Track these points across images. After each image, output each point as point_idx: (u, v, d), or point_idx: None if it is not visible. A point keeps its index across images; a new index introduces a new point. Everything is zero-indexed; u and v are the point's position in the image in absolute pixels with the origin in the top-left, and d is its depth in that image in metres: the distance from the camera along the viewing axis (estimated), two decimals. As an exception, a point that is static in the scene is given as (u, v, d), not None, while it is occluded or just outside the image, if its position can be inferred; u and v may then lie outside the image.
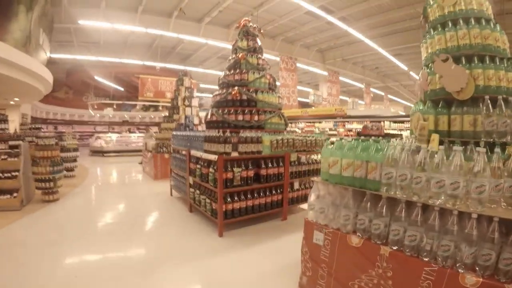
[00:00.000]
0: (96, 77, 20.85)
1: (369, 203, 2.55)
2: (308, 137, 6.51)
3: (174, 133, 7.47)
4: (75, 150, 10.50)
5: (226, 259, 4.04)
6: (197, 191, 5.54)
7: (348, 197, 2.73)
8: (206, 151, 5.18)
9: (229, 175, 4.80)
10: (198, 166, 5.40)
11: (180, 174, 6.65)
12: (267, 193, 5.40)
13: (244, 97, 6.06)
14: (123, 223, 5.57)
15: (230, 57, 6.68)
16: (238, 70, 6.27)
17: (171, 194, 7.56)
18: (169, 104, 12.88)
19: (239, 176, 4.89)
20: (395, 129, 10.83)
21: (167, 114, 11.83)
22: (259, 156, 5.28)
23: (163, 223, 5.71)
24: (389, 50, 15.16)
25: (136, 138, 18.35)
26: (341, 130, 12.46)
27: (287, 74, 16.19)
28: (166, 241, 4.75)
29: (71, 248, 4.38)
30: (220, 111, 6.02)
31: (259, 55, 6.63)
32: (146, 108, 26.56)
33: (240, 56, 6.37)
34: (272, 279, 3.53)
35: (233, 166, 4.90)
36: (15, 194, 5.94)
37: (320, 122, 12.82)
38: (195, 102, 11.45)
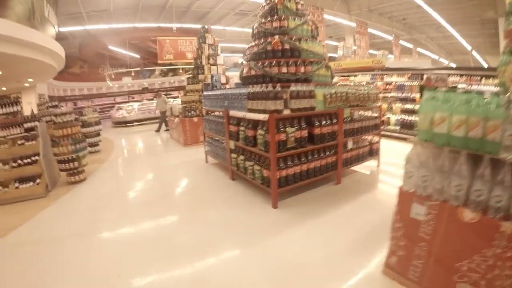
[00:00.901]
0: (110, 47, 19.98)
1: (488, 170, 2.02)
2: (361, 90, 5.69)
3: (206, 93, 6.71)
4: (97, 123, 9.87)
5: (289, 237, 3.44)
6: (241, 157, 4.91)
7: (461, 163, 2.15)
8: (250, 110, 4.46)
9: (282, 136, 4.10)
10: (242, 128, 4.72)
11: (217, 138, 6.01)
12: (321, 155, 4.75)
13: (287, 46, 5.16)
14: (161, 198, 5.06)
15: (264, 3, 5.71)
16: (276, 17, 5.32)
17: (207, 161, 6.97)
18: (191, 66, 12.02)
19: (293, 137, 4.19)
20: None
21: (190, 75, 11.03)
22: (312, 112, 4.52)
23: (205, 196, 5.08)
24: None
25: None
26: (379, 83, 11.37)
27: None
28: (213, 217, 4.17)
29: (108, 234, 3.90)
30: (260, 64, 5.17)
31: (297, 0, 5.64)
32: (164, 73, 25.76)
33: (276, 0, 5.39)
34: (348, 258, 2.95)
35: (285, 125, 4.19)
36: (38, 181, 5.41)
37: (355, 76, 11.67)
38: (220, 60, 10.56)
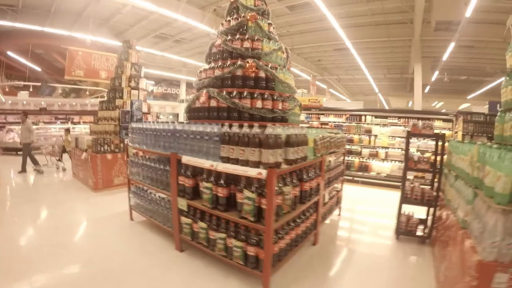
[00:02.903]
0: (9, 53, 16.08)
1: None
2: (335, 133, 4.94)
3: (134, 125, 4.92)
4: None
5: None
6: (201, 224, 3.43)
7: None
8: (229, 160, 3.11)
9: (279, 199, 2.85)
10: (206, 184, 3.30)
11: (150, 188, 4.39)
12: (307, 214, 3.81)
13: (262, 74, 4.02)
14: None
15: (229, 17, 4.54)
16: (247, 36, 4.19)
17: (131, 218, 5.07)
18: (100, 88, 9.85)
19: (289, 199, 2.97)
20: (378, 124, 9.78)
21: (101, 99, 8.85)
22: (304, 164, 3.41)
23: (140, 284, 3.22)
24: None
25: (58, 131, 14.65)
26: (314, 123, 11.05)
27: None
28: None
29: None
30: (225, 93, 3.90)
31: (269, 21, 4.65)
32: (66, 94, 22.03)
33: (249, 16, 4.29)
34: None
35: (280, 183, 2.95)
36: None
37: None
38: (143, 84, 8.78)
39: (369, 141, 9.88)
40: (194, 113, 4.26)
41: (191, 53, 18.92)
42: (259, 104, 3.84)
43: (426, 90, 21.82)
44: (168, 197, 4.05)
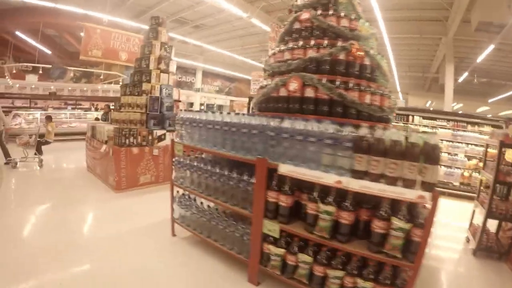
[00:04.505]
0: (17, 33, 15.02)
1: None
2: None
3: (189, 116, 3.65)
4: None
5: None
6: (303, 257, 2.44)
7: None
8: (363, 176, 2.16)
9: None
10: (326, 208, 2.29)
11: (209, 200, 3.35)
12: None
13: (367, 61, 3.10)
14: None
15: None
16: (343, 13, 3.26)
17: (174, 233, 3.97)
18: (116, 73, 8.68)
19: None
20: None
21: (117, 84, 7.81)
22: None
23: None
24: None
25: (68, 117, 13.59)
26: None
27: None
28: None
29: None
30: (325, 80, 2.90)
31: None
32: (76, 79, 21.04)
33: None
34: None
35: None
36: None
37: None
38: (173, 67, 7.72)
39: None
40: (274, 105, 3.28)
41: (210, 40, 17.89)
42: (367, 98, 2.93)
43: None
44: (237, 214, 3.06)
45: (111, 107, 9.68)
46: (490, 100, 22.91)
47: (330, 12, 3.25)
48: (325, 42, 3.09)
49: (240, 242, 3.00)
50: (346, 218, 2.22)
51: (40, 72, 15.67)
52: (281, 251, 2.59)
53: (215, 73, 25.59)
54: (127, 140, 6.09)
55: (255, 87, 14.11)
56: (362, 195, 2.13)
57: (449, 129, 8.71)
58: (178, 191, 3.89)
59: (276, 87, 3.25)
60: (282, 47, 3.47)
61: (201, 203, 3.66)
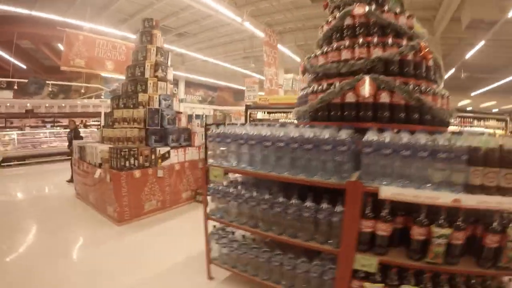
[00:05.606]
0: None
1: None
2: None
3: (230, 131, 2.84)
4: None
5: None
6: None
7: None
8: (480, 190, 1.85)
9: None
10: (442, 231, 1.90)
11: (265, 237, 2.58)
12: None
13: (431, 62, 2.71)
14: None
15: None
16: (398, 10, 2.87)
17: (210, 276, 3.14)
18: (97, 86, 7.74)
19: None
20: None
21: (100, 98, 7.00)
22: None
23: None
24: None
25: (47, 136, 12.43)
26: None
27: (270, 51, 12.40)
28: None
29: None
30: (398, 83, 2.40)
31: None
32: (54, 95, 19.70)
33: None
34: None
35: None
36: None
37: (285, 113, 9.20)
38: (170, 75, 6.92)
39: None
40: (336, 112, 2.64)
41: (193, 49, 17.21)
42: (439, 102, 2.58)
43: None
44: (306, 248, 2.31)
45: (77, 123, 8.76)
46: (472, 94, 23.49)
47: (385, 7, 2.80)
48: (390, 40, 2.61)
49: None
50: (459, 238, 1.94)
51: (15, 87, 14.39)
52: (379, 286, 2.04)
53: (197, 82, 25.07)
54: (127, 162, 5.20)
55: (250, 94, 13.43)
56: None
57: (456, 125, 8.53)
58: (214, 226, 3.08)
59: (337, 92, 2.58)
60: (335, 45, 2.86)
61: (243, 236, 2.87)
